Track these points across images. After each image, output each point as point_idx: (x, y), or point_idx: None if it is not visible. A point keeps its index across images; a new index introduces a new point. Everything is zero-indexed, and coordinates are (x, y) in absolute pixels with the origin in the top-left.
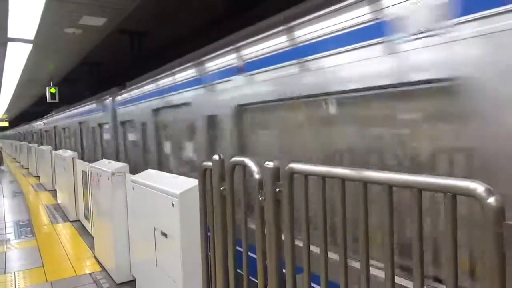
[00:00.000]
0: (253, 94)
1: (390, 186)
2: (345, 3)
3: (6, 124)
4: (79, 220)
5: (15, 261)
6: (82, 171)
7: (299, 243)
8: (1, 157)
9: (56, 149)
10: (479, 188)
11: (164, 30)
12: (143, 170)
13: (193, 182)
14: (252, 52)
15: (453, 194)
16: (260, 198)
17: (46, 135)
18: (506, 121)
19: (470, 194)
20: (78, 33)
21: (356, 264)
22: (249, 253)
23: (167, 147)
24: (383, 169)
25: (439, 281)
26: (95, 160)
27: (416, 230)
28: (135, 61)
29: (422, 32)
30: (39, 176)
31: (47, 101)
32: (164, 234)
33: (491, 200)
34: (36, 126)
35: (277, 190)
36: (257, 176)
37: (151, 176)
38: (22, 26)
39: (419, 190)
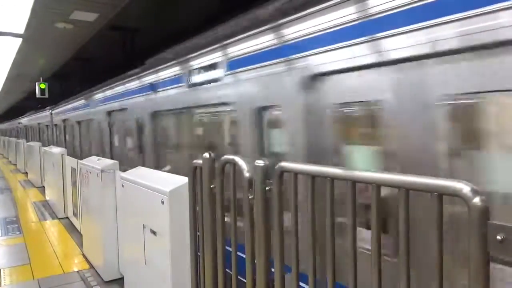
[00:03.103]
0: None
1: (378, 186)
2: None
3: None
4: (67, 218)
5: (1, 258)
6: (71, 168)
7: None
8: None
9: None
10: (464, 188)
11: (156, 27)
12: None
13: (183, 180)
14: None
15: (439, 194)
16: (250, 197)
17: (49, 132)
18: None
19: (456, 194)
20: (69, 28)
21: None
22: (238, 252)
23: None
24: None
25: None
26: None
27: (404, 230)
28: (126, 58)
29: None
30: (27, 173)
31: (37, 96)
32: (154, 232)
33: (476, 200)
34: (31, 121)
35: (267, 188)
36: (247, 175)
37: (141, 174)
38: (12, 20)
39: (406, 189)
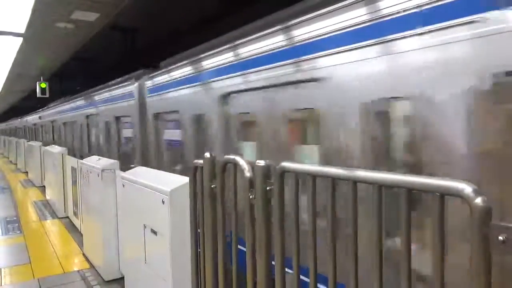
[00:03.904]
0: None
1: (379, 186)
2: None
3: None
4: (68, 217)
5: (1, 258)
6: (72, 167)
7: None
8: None
9: None
10: (466, 188)
11: (156, 27)
12: None
13: (184, 180)
14: None
15: (441, 194)
16: (250, 197)
17: None
18: None
19: (458, 195)
20: (70, 28)
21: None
22: (239, 252)
23: None
24: None
25: None
26: None
27: (405, 229)
28: (127, 58)
29: None
30: (27, 172)
31: (37, 96)
32: (154, 232)
33: (478, 200)
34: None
35: (267, 188)
36: (248, 175)
37: (141, 173)
38: (13, 19)
39: (408, 190)
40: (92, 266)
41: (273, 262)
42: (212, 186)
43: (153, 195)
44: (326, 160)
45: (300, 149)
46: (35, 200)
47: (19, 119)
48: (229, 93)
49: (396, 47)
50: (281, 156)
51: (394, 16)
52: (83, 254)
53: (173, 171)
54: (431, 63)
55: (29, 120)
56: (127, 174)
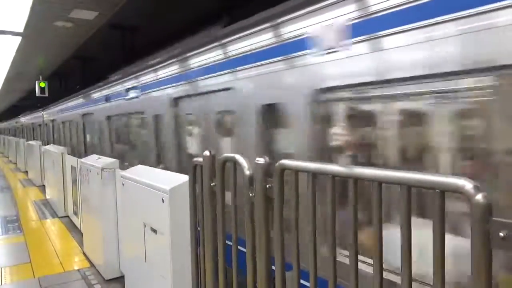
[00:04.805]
0: None
1: (379, 183)
2: None
3: None
4: (68, 216)
5: (1, 257)
6: (72, 166)
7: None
8: None
9: None
10: (467, 185)
11: (155, 25)
12: None
13: (184, 178)
14: None
15: (442, 191)
16: (250, 194)
17: None
18: None
19: (458, 191)
20: (69, 26)
21: (346, 260)
22: (239, 249)
23: None
24: None
25: None
26: None
27: (405, 227)
28: (126, 56)
29: None
30: (27, 171)
31: (36, 95)
32: (154, 230)
33: (479, 197)
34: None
35: (267, 186)
36: (247, 172)
37: (141, 172)
38: (11, 18)
39: (408, 186)
40: (92, 265)
41: (273, 267)
42: (212, 184)
43: (153, 194)
44: None
45: None
46: (35, 200)
47: (42, 112)
48: None
49: None
50: None
51: None
52: (83, 253)
53: None
54: None
55: (58, 112)
56: (127, 172)
